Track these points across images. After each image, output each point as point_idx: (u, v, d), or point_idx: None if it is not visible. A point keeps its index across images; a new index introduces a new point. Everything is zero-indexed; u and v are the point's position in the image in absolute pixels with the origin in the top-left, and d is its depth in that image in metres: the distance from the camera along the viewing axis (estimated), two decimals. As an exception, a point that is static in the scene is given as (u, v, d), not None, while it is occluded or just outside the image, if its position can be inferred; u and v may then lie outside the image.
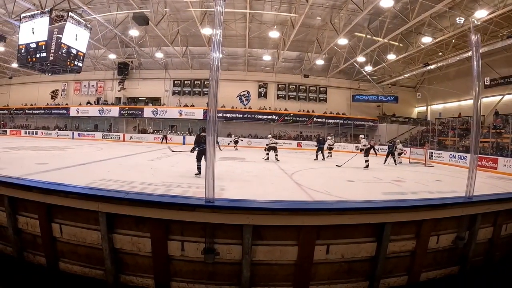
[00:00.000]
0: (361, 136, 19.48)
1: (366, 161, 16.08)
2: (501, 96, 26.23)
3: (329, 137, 25.59)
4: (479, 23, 18.01)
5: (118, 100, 37.03)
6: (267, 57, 31.83)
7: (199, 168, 10.66)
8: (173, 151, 12.85)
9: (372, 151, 17.02)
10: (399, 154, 20.25)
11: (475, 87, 3.99)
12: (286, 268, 3.27)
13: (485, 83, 25.59)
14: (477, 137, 4.14)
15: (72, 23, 16.65)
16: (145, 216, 3.13)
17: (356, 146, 31.22)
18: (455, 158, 21.37)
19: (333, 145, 24.56)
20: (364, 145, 16.65)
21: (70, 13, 16.50)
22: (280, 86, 36.77)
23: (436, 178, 14.07)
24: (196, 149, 10.58)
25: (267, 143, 19.32)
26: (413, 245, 3.63)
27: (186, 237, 3.17)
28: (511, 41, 19.03)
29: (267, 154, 18.67)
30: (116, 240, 3.23)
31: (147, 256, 3.23)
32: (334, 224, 3.28)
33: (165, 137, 31.89)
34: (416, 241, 3.62)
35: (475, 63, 4.02)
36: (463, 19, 18.20)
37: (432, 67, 26.97)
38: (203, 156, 10.13)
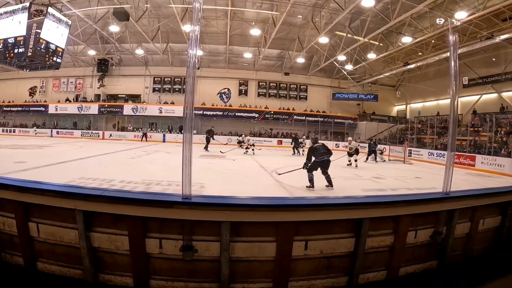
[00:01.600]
0: (350, 138, 19.63)
1: (355, 160, 16.27)
2: (479, 96, 26.97)
3: (304, 136, 27.19)
4: (459, 23, 18.39)
5: (97, 97, 36.28)
6: (248, 55, 31.82)
7: (311, 180, 9.22)
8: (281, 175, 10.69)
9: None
10: (381, 152, 20.55)
11: (452, 86, 4.08)
12: (265, 265, 3.29)
13: (464, 83, 26.24)
14: (454, 135, 4.24)
15: (51, 18, 16.27)
16: (123, 214, 3.10)
17: (336, 144, 31.64)
18: (433, 155, 21.84)
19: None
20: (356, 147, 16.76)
21: (49, 8, 16.11)
22: (260, 83, 36.87)
23: (415, 175, 14.30)
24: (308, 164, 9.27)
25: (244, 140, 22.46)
26: (391, 240, 3.70)
27: (164, 234, 3.16)
28: (490, 42, 19.52)
29: (247, 149, 21.31)
30: (94, 238, 3.19)
31: (125, 255, 3.20)
32: (312, 220, 3.31)
33: (144, 134, 31.60)
34: (394, 236, 3.70)
35: (452, 62, 4.13)
36: (443, 20, 18.55)
37: (411, 66, 27.44)
38: (319, 168, 9.29)
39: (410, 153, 23.46)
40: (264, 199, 3.66)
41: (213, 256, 3.18)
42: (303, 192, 8.86)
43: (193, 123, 3.31)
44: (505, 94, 24.73)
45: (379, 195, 4.37)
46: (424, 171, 15.62)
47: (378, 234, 3.64)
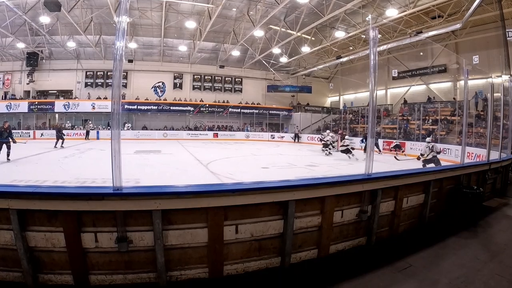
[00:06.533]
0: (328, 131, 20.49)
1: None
2: (408, 87, 29.10)
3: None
4: (387, 21, 19.49)
5: (27, 94, 33.44)
6: (183, 48, 31.29)
7: None
8: None
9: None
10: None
11: (372, 78, 4.43)
12: (199, 251, 3.42)
13: (393, 75, 28.28)
14: (373, 124, 4.63)
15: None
16: (56, 209, 3.05)
17: (271, 135, 32.56)
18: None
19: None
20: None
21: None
22: (195, 77, 36.55)
23: (349, 162, 15.10)
24: None
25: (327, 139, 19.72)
26: (319, 220, 3.98)
27: (98, 227, 3.16)
28: (418, 39, 20.82)
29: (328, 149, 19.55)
30: (30, 238, 3.09)
31: (62, 252, 3.14)
32: (239, 204, 3.49)
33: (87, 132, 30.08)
34: (321, 216, 3.99)
35: (372, 56, 4.47)
36: (375, 16, 19.60)
37: (344, 60, 28.55)
38: None
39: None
40: (191, 186, 3.76)
41: (148, 245, 3.24)
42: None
43: (120, 117, 3.31)
44: (432, 86, 26.88)
45: (302, 178, 4.63)
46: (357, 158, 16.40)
47: (306, 215, 3.90)
